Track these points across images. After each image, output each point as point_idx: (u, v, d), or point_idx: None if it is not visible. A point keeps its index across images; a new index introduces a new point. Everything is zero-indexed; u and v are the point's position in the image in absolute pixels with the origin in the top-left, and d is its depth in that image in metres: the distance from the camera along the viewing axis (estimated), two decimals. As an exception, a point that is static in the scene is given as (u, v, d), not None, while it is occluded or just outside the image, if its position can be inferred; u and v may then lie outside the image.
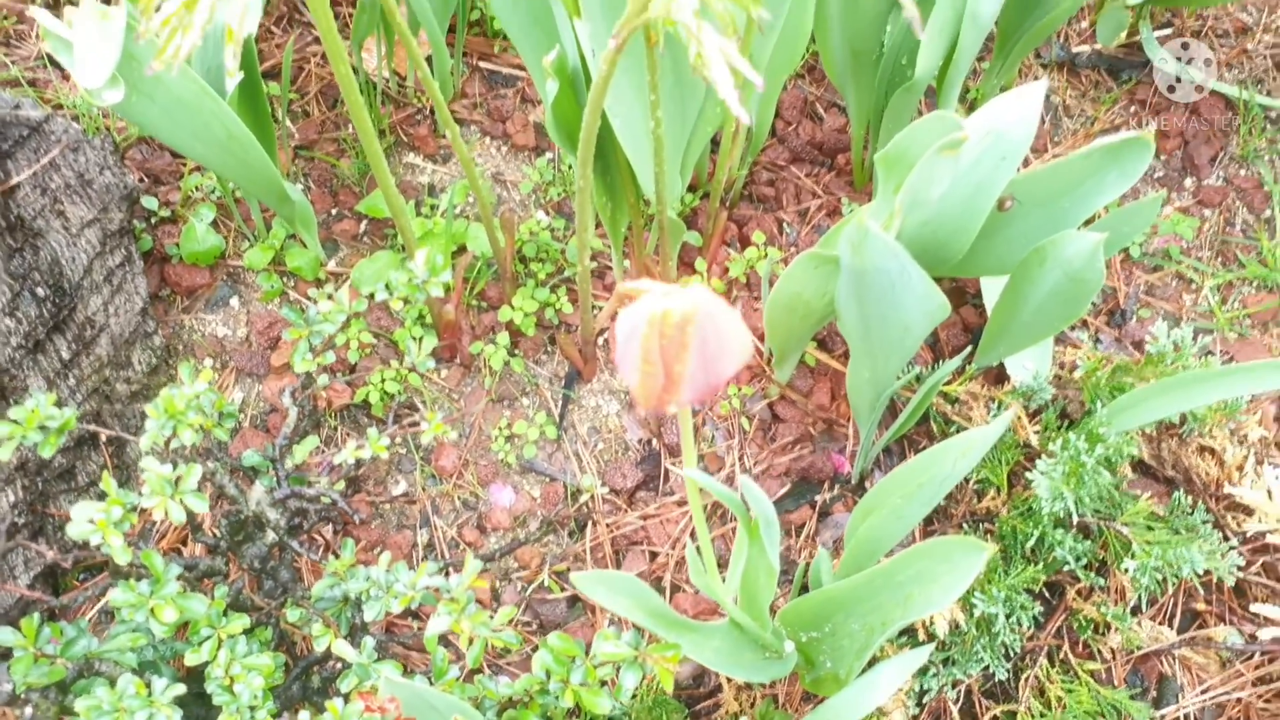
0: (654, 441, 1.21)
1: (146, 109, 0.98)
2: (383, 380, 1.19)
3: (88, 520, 0.69)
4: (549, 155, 1.43)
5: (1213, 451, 1.14)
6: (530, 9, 1.06)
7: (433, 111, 1.44)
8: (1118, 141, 0.93)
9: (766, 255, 1.29)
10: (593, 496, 1.17)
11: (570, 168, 1.40)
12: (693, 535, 1.15)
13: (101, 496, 1.11)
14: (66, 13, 0.96)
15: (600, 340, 1.27)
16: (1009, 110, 0.94)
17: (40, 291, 1.06)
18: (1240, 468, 1.12)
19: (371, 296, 0.91)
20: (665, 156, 1.07)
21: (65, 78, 1.40)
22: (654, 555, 1.15)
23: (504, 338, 1.24)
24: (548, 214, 1.36)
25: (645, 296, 0.54)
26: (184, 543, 1.12)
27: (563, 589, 1.13)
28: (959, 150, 0.79)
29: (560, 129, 1.06)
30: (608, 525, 1.16)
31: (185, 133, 1.01)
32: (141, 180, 1.30)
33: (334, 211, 1.34)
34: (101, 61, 0.92)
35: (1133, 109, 1.49)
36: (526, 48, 1.10)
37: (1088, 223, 1.04)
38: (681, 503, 1.17)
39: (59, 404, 0.79)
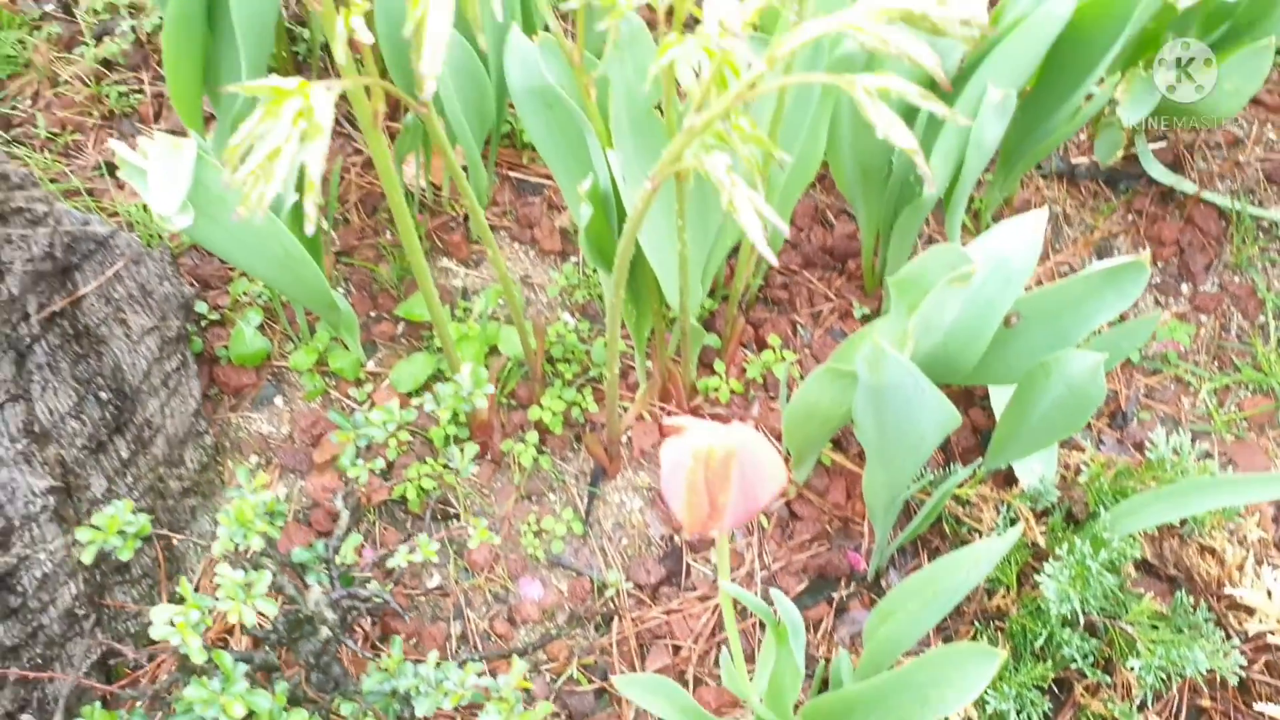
0: (675, 538, 1.27)
1: (211, 230, 1.06)
2: (419, 476, 1.25)
3: (167, 622, 0.75)
4: (574, 259, 1.50)
5: (1213, 552, 1.19)
6: (565, 138, 1.14)
7: (465, 219, 1.52)
8: (1116, 266, 1.00)
9: (783, 358, 1.36)
10: (618, 591, 1.22)
11: (594, 272, 1.48)
12: (713, 632, 1.20)
13: (153, 587, 1.17)
14: (140, 143, 1.04)
15: (624, 439, 1.33)
16: (1013, 237, 1.02)
17: (103, 395, 1.13)
18: (1240, 568, 1.18)
19: (420, 407, 0.97)
20: (689, 271, 1.14)
21: (120, 187, 1.48)
22: (677, 649, 1.20)
23: (533, 436, 1.30)
24: (573, 316, 1.44)
25: (689, 433, 0.60)
26: (229, 633, 1.17)
27: (590, 681, 1.18)
28: (968, 282, 0.86)
29: (593, 247, 1.14)
30: (633, 619, 1.21)
31: (246, 252, 1.09)
32: (192, 285, 1.38)
33: (373, 314, 1.41)
34: (174, 190, 0.99)
35: (1130, 218, 1.57)
36: (560, 169, 1.18)
37: (1093, 335, 1.11)
38: (703, 598, 1.22)
39: (135, 511, 0.85)
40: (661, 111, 1.10)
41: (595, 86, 1.08)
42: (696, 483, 0.58)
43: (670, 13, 0.87)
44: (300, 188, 1.12)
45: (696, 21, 0.95)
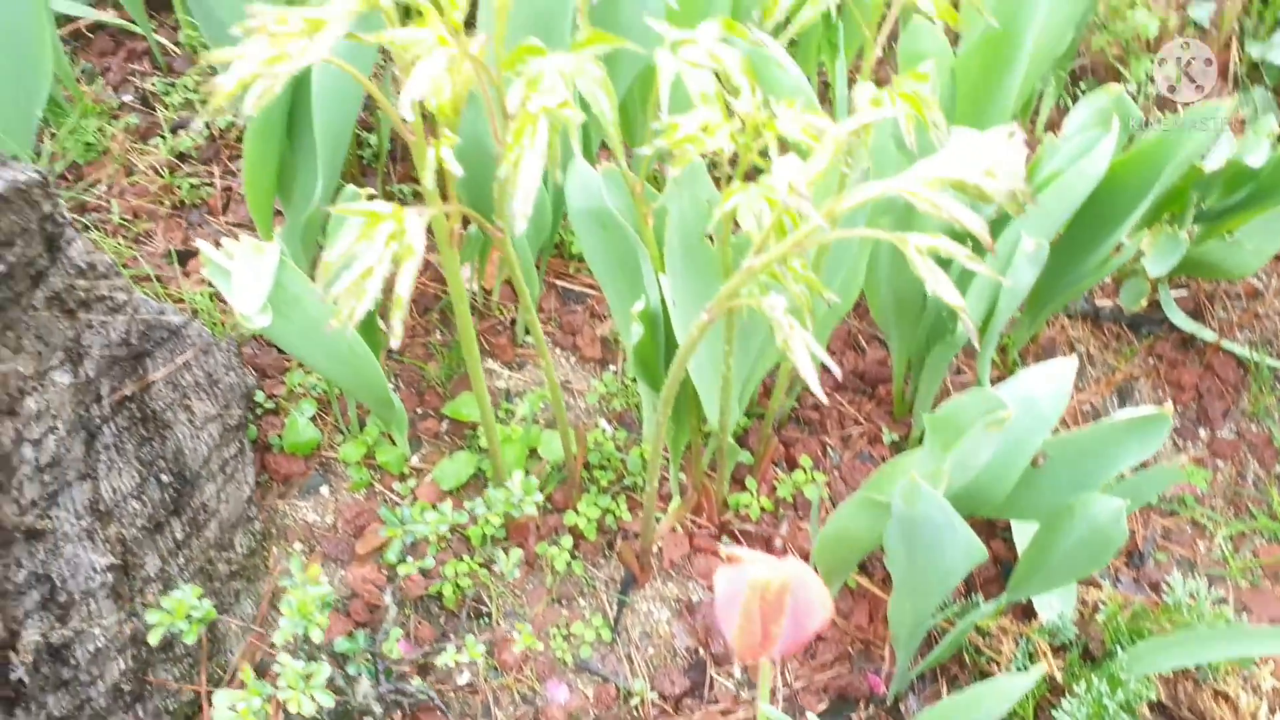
0: (700, 650, 1.30)
1: (284, 328, 1.12)
2: (456, 574, 1.29)
3: (229, 708, 0.79)
4: (613, 368, 1.56)
5: (1227, 698, 1.22)
6: (618, 258, 1.20)
7: (512, 323, 1.58)
8: (1140, 416, 1.05)
9: (814, 479, 1.41)
10: (642, 700, 1.25)
11: (633, 381, 1.54)
12: (736, 744, 1.22)
13: (193, 667, 1.21)
14: (226, 244, 1.11)
15: (655, 549, 1.37)
16: (1043, 381, 1.07)
17: (165, 478, 1.18)
18: (1254, 716, 1.20)
19: (471, 511, 1.02)
20: (730, 393, 1.20)
21: (187, 275, 1.55)
22: (697, 760, 1.22)
23: (567, 541, 1.34)
24: (611, 424, 1.49)
25: (745, 564, 0.65)
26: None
27: (610, 788, 1.20)
28: (1003, 427, 0.91)
29: (640, 364, 1.20)
30: (655, 728, 1.24)
31: (315, 349, 1.15)
32: (252, 374, 1.44)
33: (419, 410, 1.47)
34: (256, 292, 1.06)
35: (1151, 361, 1.62)
36: (610, 286, 1.24)
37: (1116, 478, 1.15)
38: (725, 712, 1.25)
39: (201, 598, 0.89)
40: (711, 240, 1.17)
41: (654, 216, 1.15)
42: (751, 612, 0.63)
43: (734, 160, 0.94)
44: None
45: (758, 171, 1.02)
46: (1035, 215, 1.21)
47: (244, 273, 1.07)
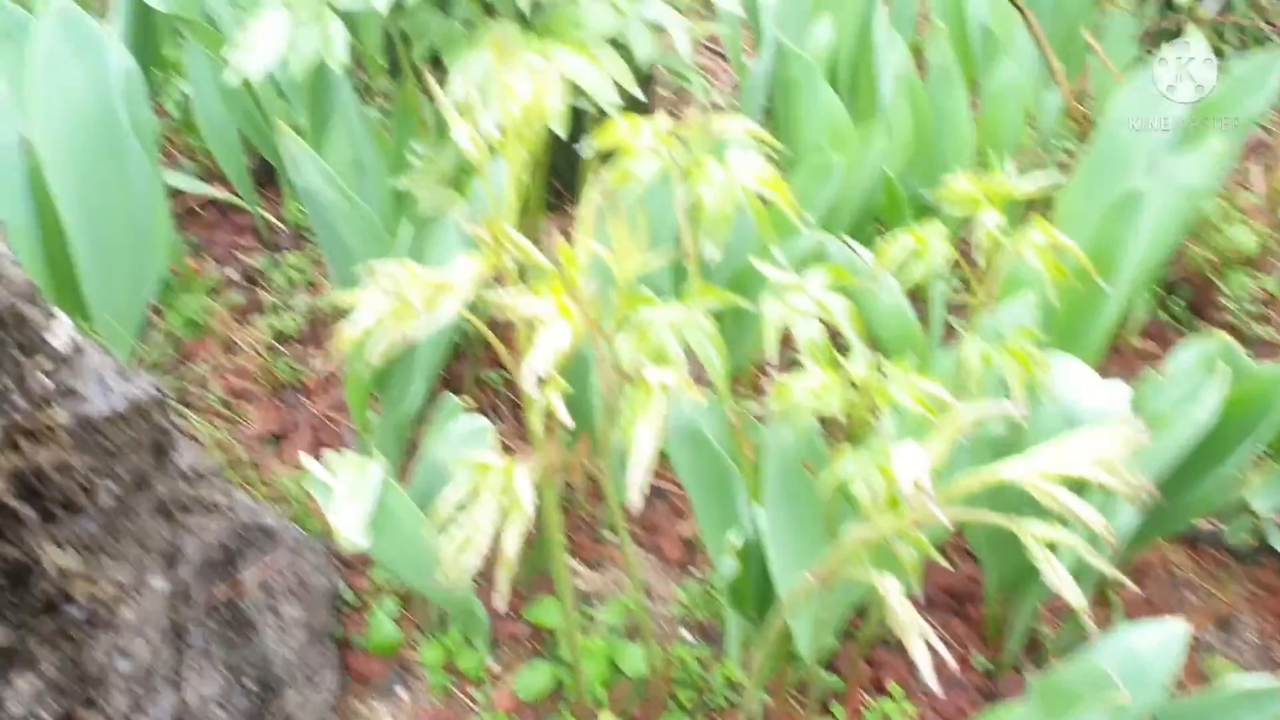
0: None
1: (380, 543, 1.12)
2: (530, 794, 1.26)
3: None
4: (695, 571, 1.54)
5: None
6: (711, 480, 1.20)
7: (593, 519, 1.58)
8: (1257, 689, 1.00)
9: (904, 711, 1.36)
10: None
11: (713, 587, 1.51)
12: None
13: None
14: (327, 457, 1.13)
15: (734, 772, 1.32)
16: (1153, 643, 1.03)
17: (249, 684, 1.17)
18: None
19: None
20: (825, 632, 1.17)
21: (280, 459, 1.58)
22: None
23: (646, 765, 1.31)
24: (694, 636, 1.46)
25: None
26: None
27: None
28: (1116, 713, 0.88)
29: (732, 593, 1.18)
30: None
31: (408, 563, 1.15)
32: (336, 567, 1.44)
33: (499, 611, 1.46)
34: (358, 512, 1.07)
35: (1251, 589, 1.56)
36: (700, 504, 1.23)
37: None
38: None
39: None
40: (810, 470, 1.16)
41: (753, 451, 1.15)
42: None
43: (848, 423, 0.94)
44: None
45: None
46: (1140, 458, 1.19)
47: (346, 493, 1.08)
